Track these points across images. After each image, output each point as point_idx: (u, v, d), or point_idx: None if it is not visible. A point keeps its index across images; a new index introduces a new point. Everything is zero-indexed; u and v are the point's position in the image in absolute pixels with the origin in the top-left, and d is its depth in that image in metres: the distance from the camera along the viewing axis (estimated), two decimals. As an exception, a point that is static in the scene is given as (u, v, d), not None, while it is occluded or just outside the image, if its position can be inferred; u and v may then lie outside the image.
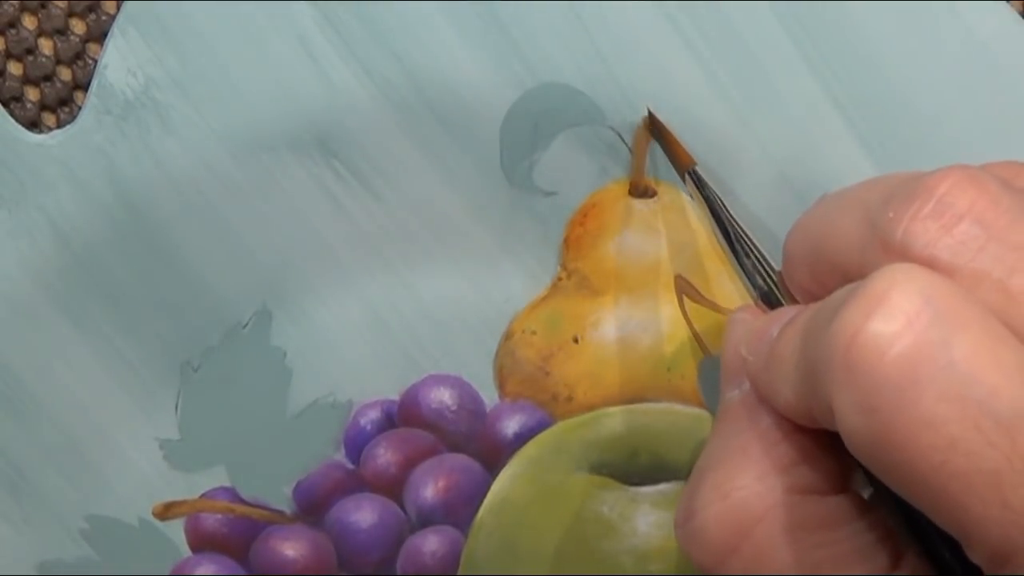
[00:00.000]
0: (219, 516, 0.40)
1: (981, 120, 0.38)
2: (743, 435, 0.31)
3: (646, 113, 0.39)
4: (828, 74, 0.38)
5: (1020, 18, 0.38)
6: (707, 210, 0.37)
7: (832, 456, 0.30)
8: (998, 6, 0.38)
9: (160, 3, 0.38)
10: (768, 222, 0.36)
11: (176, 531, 0.40)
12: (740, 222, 0.36)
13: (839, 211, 0.31)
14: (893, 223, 0.28)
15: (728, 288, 0.40)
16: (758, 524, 0.29)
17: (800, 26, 0.38)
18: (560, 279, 0.40)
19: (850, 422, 0.27)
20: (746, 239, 0.36)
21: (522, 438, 0.40)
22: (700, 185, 0.37)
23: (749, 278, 0.36)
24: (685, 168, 0.38)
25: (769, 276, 0.35)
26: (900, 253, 0.28)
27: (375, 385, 0.40)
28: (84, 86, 0.41)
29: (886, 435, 0.26)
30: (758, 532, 0.29)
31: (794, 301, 0.34)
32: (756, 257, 0.36)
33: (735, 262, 0.36)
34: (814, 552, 0.29)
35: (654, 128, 0.39)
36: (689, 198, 0.39)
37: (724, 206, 0.37)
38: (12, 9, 0.41)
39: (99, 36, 0.41)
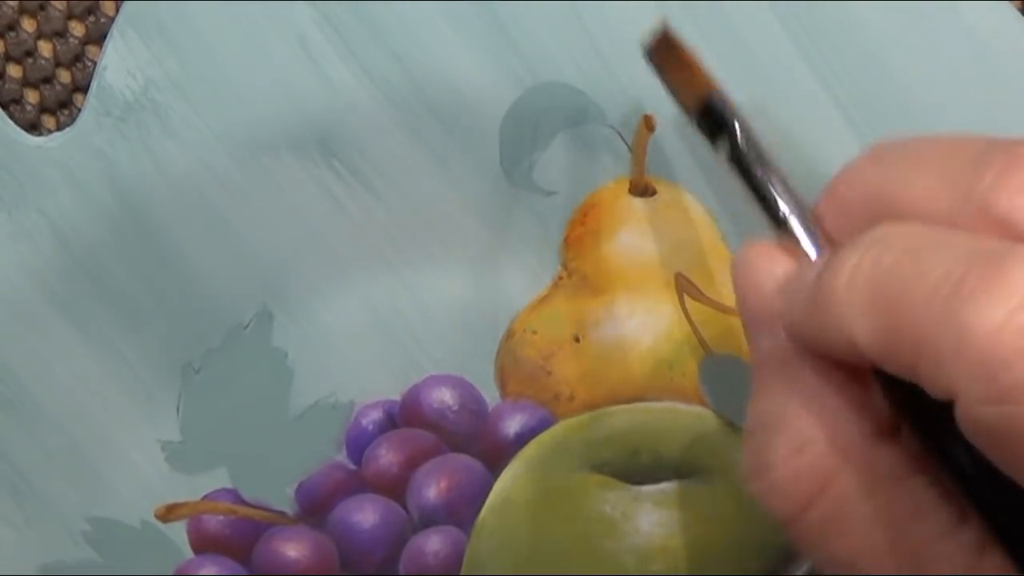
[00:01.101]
0: (221, 517, 0.40)
1: (982, 118, 0.38)
2: (798, 384, 0.30)
3: (646, 112, 0.39)
4: (828, 73, 0.38)
5: (1020, 16, 0.38)
6: (733, 138, 0.33)
7: (877, 403, 0.30)
8: (998, 5, 0.38)
9: (159, 5, 0.38)
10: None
11: (178, 533, 0.40)
12: (770, 153, 0.33)
13: (913, 168, 0.30)
14: (993, 193, 0.28)
15: (729, 286, 0.39)
16: (838, 474, 0.29)
17: (800, 25, 0.38)
18: (561, 278, 0.40)
19: (977, 411, 0.26)
20: (774, 169, 0.33)
21: (524, 438, 0.40)
22: (723, 112, 0.33)
23: (771, 209, 0.33)
24: (707, 93, 0.34)
25: (796, 211, 0.32)
26: (1002, 226, 0.27)
27: (376, 385, 0.40)
28: (84, 88, 0.41)
29: (1021, 427, 0.25)
30: (837, 483, 0.29)
31: (828, 240, 0.32)
32: (783, 190, 0.33)
33: (759, 191, 0.33)
34: (890, 505, 0.29)
35: (661, 48, 0.35)
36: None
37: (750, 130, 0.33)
38: (11, 11, 0.41)
39: (98, 38, 0.41)
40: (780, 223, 0.32)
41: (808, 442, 0.30)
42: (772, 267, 0.31)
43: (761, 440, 0.30)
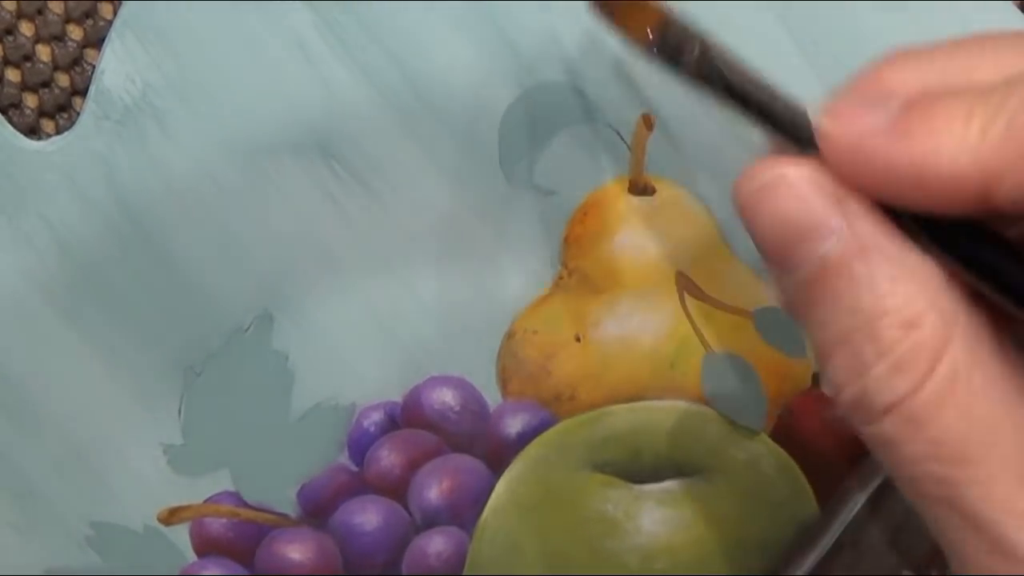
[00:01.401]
0: (224, 520, 0.40)
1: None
2: (884, 268, 0.29)
3: (644, 111, 0.39)
4: (828, 72, 0.38)
5: (1019, 14, 0.38)
6: (705, 53, 0.31)
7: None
8: (998, 5, 0.38)
9: (157, 8, 0.38)
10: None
11: (181, 536, 0.40)
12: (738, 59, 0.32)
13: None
14: None
15: (729, 284, 0.40)
16: (951, 343, 0.28)
17: (800, 25, 0.38)
18: (561, 278, 0.40)
19: None
20: (748, 71, 0.31)
21: (525, 438, 0.40)
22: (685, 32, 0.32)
23: (760, 108, 0.31)
24: (661, 16, 0.32)
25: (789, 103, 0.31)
26: None
27: (378, 387, 0.40)
28: (82, 92, 0.41)
29: None
30: (954, 347, 0.28)
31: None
32: (765, 86, 0.31)
33: (758, 108, 0.31)
34: (1002, 382, 0.28)
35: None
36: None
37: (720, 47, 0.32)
38: (9, 16, 0.41)
39: (97, 42, 0.41)
40: (774, 122, 0.30)
41: (921, 313, 0.28)
42: (799, 170, 0.29)
43: (861, 335, 0.29)
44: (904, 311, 0.29)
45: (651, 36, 0.31)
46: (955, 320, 0.29)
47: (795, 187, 0.29)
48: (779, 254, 0.29)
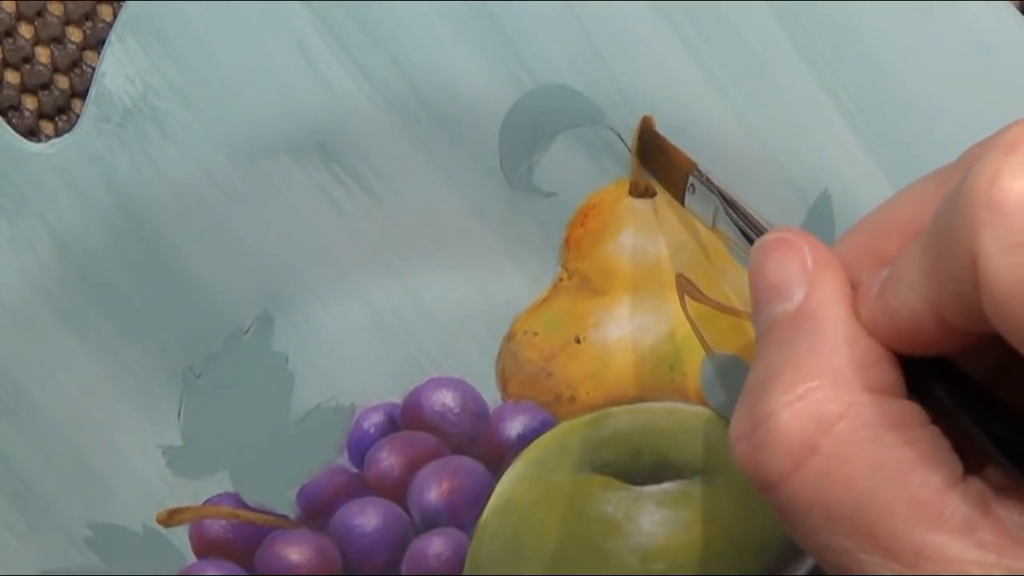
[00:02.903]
0: (223, 522, 0.40)
1: (981, 117, 0.38)
2: (805, 341, 0.30)
3: (645, 114, 0.39)
4: (827, 72, 0.38)
5: (1019, 15, 0.38)
6: (721, 204, 0.36)
7: (899, 365, 0.30)
8: (998, 5, 0.38)
9: (157, 10, 0.38)
10: (770, 221, 0.36)
11: (180, 537, 0.40)
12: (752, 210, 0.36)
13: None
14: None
15: (729, 286, 0.40)
16: (839, 420, 0.29)
17: (799, 24, 0.38)
18: (561, 280, 0.40)
19: (995, 264, 0.26)
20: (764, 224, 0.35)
21: (525, 439, 0.40)
22: (709, 182, 0.37)
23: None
24: (687, 170, 0.37)
25: None
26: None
27: (377, 388, 0.40)
28: (82, 94, 0.41)
29: None
30: (839, 429, 0.29)
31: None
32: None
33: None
34: (896, 451, 0.29)
35: (645, 142, 0.38)
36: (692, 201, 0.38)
37: (735, 198, 0.36)
38: (9, 18, 0.41)
39: (96, 44, 0.41)
40: None
41: (812, 383, 0.29)
42: (796, 241, 0.32)
43: (758, 392, 0.30)
44: (797, 378, 0.29)
45: (685, 192, 0.37)
46: (853, 399, 0.29)
47: (781, 252, 0.32)
48: (753, 304, 0.32)
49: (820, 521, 0.29)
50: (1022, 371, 0.29)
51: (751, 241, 0.34)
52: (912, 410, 0.30)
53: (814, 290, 0.31)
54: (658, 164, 0.38)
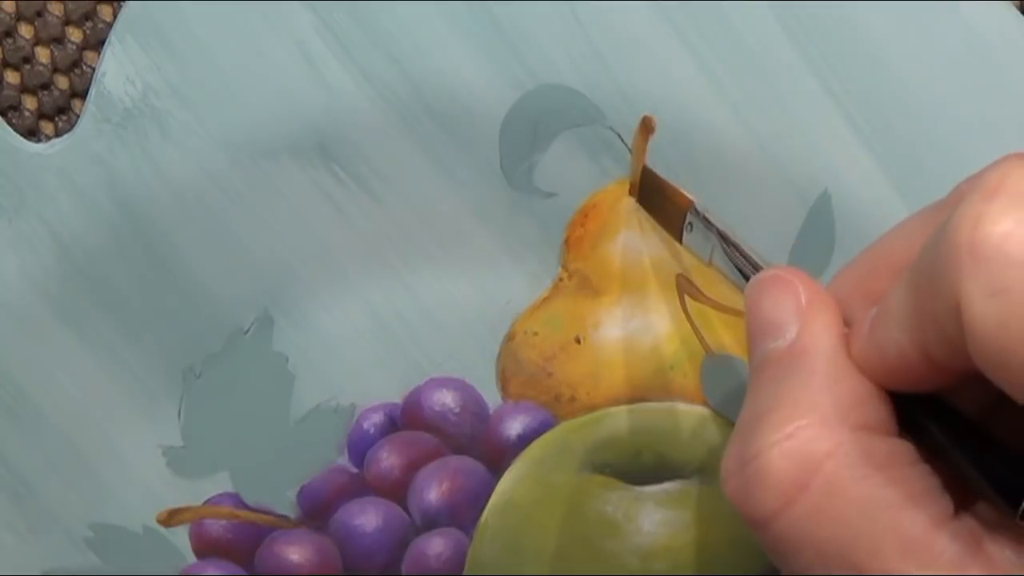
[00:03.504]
0: (223, 522, 0.40)
1: (980, 116, 0.38)
2: (796, 378, 0.30)
3: (645, 114, 0.39)
4: (827, 72, 0.38)
5: (1019, 15, 0.38)
6: (719, 242, 0.36)
7: (890, 402, 0.30)
8: (998, 5, 0.38)
9: (157, 10, 0.38)
10: (770, 220, 0.36)
11: (181, 537, 0.40)
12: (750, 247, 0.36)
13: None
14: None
15: (728, 286, 0.40)
16: (828, 459, 0.29)
17: (799, 25, 0.38)
18: (561, 280, 0.40)
19: (978, 309, 0.27)
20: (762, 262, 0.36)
21: (525, 439, 0.40)
22: (707, 221, 0.37)
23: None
24: (685, 208, 0.37)
25: None
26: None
27: (377, 389, 0.40)
28: (82, 94, 0.41)
29: (1017, 315, 0.26)
30: (828, 467, 0.29)
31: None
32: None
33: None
34: (884, 489, 0.29)
35: (645, 184, 0.39)
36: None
37: (732, 236, 0.37)
38: (9, 18, 0.41)
39: (96, 44, 0.41)
40: None
41: (801, 421, 0.30)
42: (790, 279, 0.32)
43: (749, 429, 0.30)
44: (786, 417, 0.30)
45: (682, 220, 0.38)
46: (842, 438, 0.29)
47: (776, 289, 0.32)
48: (748, 339, 0.32)
49: (811, 559, 0.29)
50: (1013, 408, 0.29)
51: (747, 278, 0.35)
52: (901, 448, 0.30)
53: (807, 327, 0.31)
54: (656, 203, 0.39)
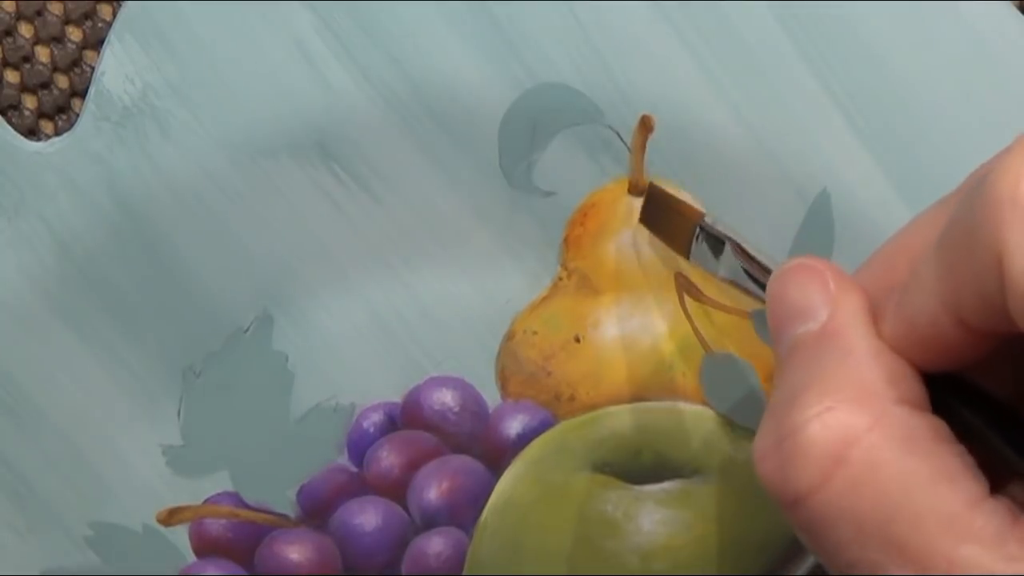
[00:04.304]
0: (223, 521, 0.40)
1: (980, 116, 0.38)
2: (831, 356, 0.30)
3: (644, 113, 0.39)
4: (827, 72, 0.38)
5: (1018, 14, 0.38)
6: (734, 250, 0.36)
7: (923, 382, 0.30)
8: (998, 4, 0.38)
9: (157, 10, 0.38)
10: (769, 219, 0.36)
11: (180, 537, 0.40)
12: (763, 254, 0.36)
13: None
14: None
15: (728, 285, 0.40)
16: (869, 432, 0.29)
17: (798, 24, 0.38)
18: (561, 279, 0.40)
19: (1021, 260, 0.26)
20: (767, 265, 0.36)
21: (525, 438, 0.40)
22: (717, 233, 0.37)
23: None
24: (695, 221, 0.37)
25: None
26: None
27: (377, 388, 0.40)
28: (82, 93, 0.41)
29: None
30: (869, 440, 0.29)
31: None
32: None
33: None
34: (925, 464, 0.28)
35: (650, 202, 0.39)
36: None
37: (745, 245, 0.36)
38: (8, 17, 0.41)
39: (96, 43, 0.41)
40: None
41: (838, 396, 0.29)
42: (817, 266, 0.32)
43: (784, 408, 0.30)
44: (824, 393, 0.29)
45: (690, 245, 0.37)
46: (880, 413, 0.29)
47: (802, 276, 0.32)
48: (774, 328, 0.32)
49: (850, 535, 0.29)
50: None
51: (761, 285, 0.34)
52: (939, 425, 0.29)
53: (838, 310, 0.31)
54: (661, 219, 0.38)
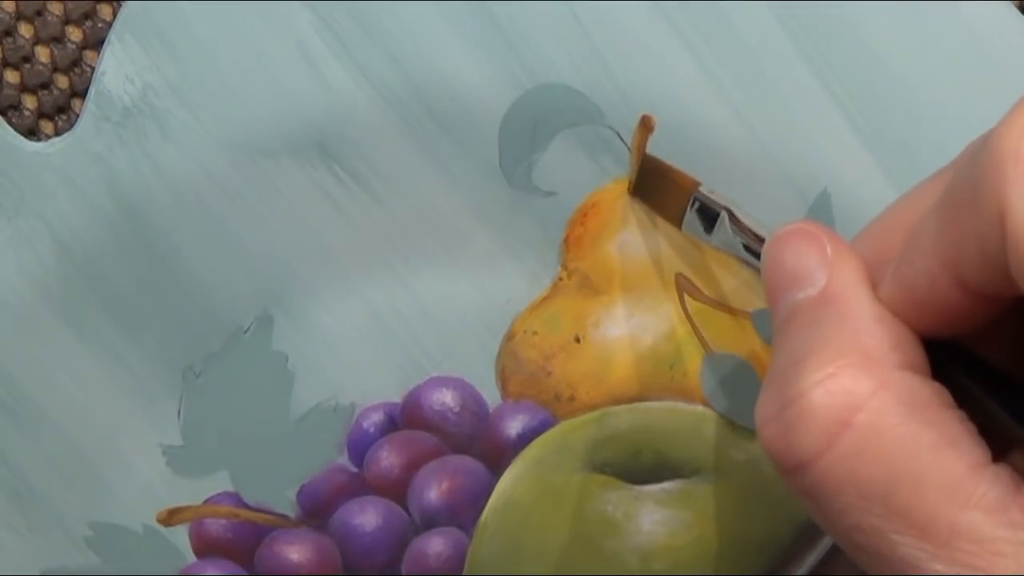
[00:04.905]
0: (223, 521, 0.40)
1: (981, 117, 0.38)
2: (831, 322, 0.30)
3: (644, 112, 0.39)
4: (827, 72, 0.38)
5: (1018, 13, 0.38)
6: (728, 220, 0.36)
7: (923, 348, 0.30)
8: (998, 4, 0.38)
9: (157, 10, 0.38)
10: (769, 219, 0.36)
11: (180, 537, 0.40)
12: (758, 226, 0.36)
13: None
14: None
15: (728, 285, 0.40)
16: (872, 397, 0.29)
17: (798, 24, 0.38)
18: (561, 279, 0.40)
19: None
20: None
21: (525, 438, 0.40)
22: (712, 203, 0.37)
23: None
24: (689, 191, 0.37)
25: None
26: None
27: (377, 388, 0.40)
28: (82, 93, 0.41)
29: None
30: (872, 405, 0.29)
31: None
32: None
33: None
34: (928, 430, 0.28)
35: (644, 170, 0.39)
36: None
37: (737, 212, 0.36)
38: (8, 17, 0.41)
39: (96, 43, 0.41)
40: None
41: (840, 362, 0.29)
42: (813, 231, 0.32)
43: (786, 374, 0.30)
44: (828, 356, 0.29)
45: (683, 215, 0.38)
46: (884, 376, 0.29)
47: (798, 241, 0.32)
48: (771, 294, 0.32)
49: (852, 500, 0.29)
50: None
51: (755, 253, 0.34)
52: (942, 391, 0.29)
53: (836, 275, 0.31)
54: (655, 189, 0.39)
